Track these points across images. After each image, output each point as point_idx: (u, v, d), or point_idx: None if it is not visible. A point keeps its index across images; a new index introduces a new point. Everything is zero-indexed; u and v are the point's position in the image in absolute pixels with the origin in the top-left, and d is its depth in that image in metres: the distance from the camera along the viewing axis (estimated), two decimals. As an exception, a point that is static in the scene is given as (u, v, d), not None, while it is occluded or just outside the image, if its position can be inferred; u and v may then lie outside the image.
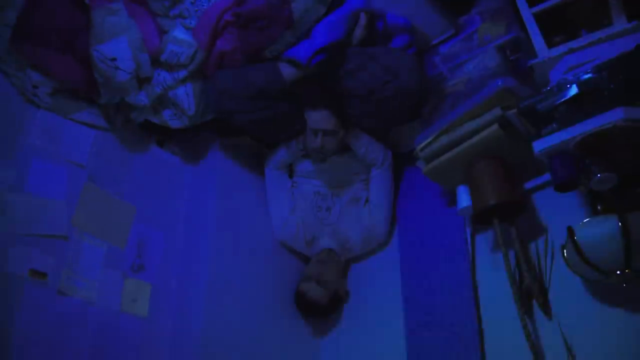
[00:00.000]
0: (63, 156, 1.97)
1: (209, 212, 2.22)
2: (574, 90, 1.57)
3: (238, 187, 2.34)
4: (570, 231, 1.58)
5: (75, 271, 1.86)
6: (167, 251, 2.17)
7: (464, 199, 1.93)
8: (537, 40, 1.83)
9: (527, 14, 1.86)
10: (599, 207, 1.63)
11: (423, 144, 2.00)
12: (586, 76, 1.58)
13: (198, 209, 2.26)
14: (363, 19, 2.10)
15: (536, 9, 1.84)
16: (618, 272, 1.50)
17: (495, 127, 1.80)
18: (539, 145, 1.66)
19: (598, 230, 1.54)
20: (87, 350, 1.80)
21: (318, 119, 2.19)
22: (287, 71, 2.11)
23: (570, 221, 1.62)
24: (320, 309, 2.27)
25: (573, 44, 1.74)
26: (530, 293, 1.76)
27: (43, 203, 1.86)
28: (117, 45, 1.97)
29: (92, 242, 1.94)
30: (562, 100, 1.59)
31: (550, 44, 1.81)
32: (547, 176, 1.80)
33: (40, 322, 1.73)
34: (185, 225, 2.25)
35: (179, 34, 2.08)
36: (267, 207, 2.39)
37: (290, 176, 2.42)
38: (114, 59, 1.96)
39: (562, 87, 1.60)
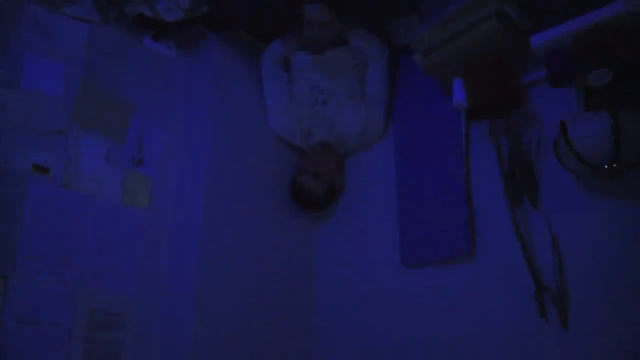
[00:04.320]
0: (58, 51, 1.95)
1: (207, 106, 2.22)
2: (575, -19, 1.54)
3: (235, 81, 2.33)
4: (563, 126, 1.60)
5: (77, 166, 1.90)
6: (167, 144, 2.19)
7: (459, 92, 1.92)
8: None
9: None
10: (592, 103, 1.64)
11: (421, 37, 1.97)
12: (589, -34, 1.54)
13: (195, 103, 2.26)
14: None
15: None
16: (606, 167, 1.53)
17: (493, 20, 1.77)
18: (536, 40, 1.65)
19: (589, 126, 1.56)
20: (93, 242, 1.88)
21: (315, 10, 2.15)
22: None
23: (564, 117, 1.63)
24: (317, 201, 2.33)
25: None
26: (521, 185, 1.81)
27: (41, 99, 1.86)
28: None
29: (92, 138, 1.96)
30: (563, -8, 1.57)
31: None
32: (543, 72, 1.79)
33: (46, 216, 1.78)
34: (184, 119, 2.26)
35: None
36: (263, 101, 2.39)
37: (287, 70, 2.41)
38: (103, -52, 1.90)
39: (564, -21, 1.57)
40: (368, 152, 2.37)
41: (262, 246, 2.21)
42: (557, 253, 1.68)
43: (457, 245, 1.92)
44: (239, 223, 2.16)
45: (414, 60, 2.04)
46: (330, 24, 2.17)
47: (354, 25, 2.22)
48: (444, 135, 2.07)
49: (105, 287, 1.88)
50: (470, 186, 1.97)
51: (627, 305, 1.55)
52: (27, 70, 1.86)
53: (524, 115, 1.88)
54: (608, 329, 1.56)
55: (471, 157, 2.00)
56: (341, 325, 2.20)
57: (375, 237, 2.21)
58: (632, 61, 1.54)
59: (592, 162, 1.55)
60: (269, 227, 2.27)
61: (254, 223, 2.22)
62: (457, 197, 1.96)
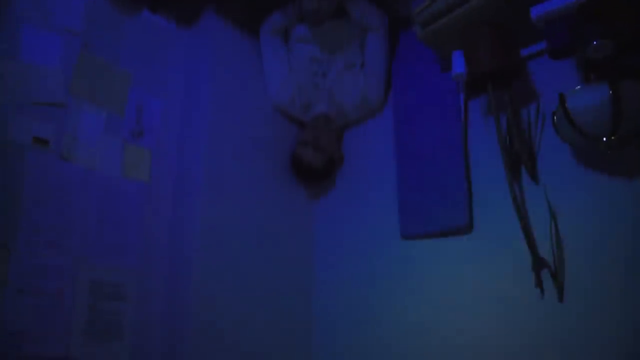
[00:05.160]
0: (56, 23, 1.93)
1: (206, 78, 2.21)
2: (579, -51, 1.53)
3: (234, 53, 2.32)
4: (562, 98, 1.60)
5: (76, 138, 1.90)
6: (166, 117, 2.19)
7: (459, 64, 1.91)
8: None
9: None
10: (592, 75, 1.63)
11: (420, 8, 1.95)
12: None
13: (195, 74, 2.25)
14: None
15: None
16: (604, 139, 1.53)
17: (493, -10, 1.76)
18: (536, 10, 1.63)
19: (589, 98, 1.55)
20: (93, 214, 1.89)
21: (314, -20, 2.14)
22: None
23: (563, 89, 1.63)
24: (316, 173, 2.33)
25: None
26: (520, 158, 1.81)
27: (39, 71, 1.86)
28: None
29: (91, 110, 1.96)
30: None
31: None
32: (543, 44, 1.78)
33: (46, 188, 1.79)
34: (183, 91, 2.25)
35: None
36: (263, 73, 2.38)
37: (286, 42, 2.39)
38: None
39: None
40: (368, 123, 2.37)
41: (261, 218, 2.22)
42: (555, 225, 1.69)
43: (456, 217, 1.93)
44: (239, 195, 2.17)
45: (414, 32, 2.02)
46: (330, -5, 2.15)
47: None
48: (443, 108, 2.07)
49: (105, 258, 1.90)
50: (469, 159, 1.97)
51: (623, 277, 1.56)
52: (25, 42, 1.85)
53: (523, 88, 1.87)
54: (602, 300, 1.58)
55: (470, 130, 1.99)
56: (340, 295, 2.22)
57: (374, 209, 2.21)
58: (633, 33, 1.53)
59: (591, 134, 1.55)
60: (269, 199, 2.28)
61: (254, 195, 2.22)
62: (455, 170, 1.96)
